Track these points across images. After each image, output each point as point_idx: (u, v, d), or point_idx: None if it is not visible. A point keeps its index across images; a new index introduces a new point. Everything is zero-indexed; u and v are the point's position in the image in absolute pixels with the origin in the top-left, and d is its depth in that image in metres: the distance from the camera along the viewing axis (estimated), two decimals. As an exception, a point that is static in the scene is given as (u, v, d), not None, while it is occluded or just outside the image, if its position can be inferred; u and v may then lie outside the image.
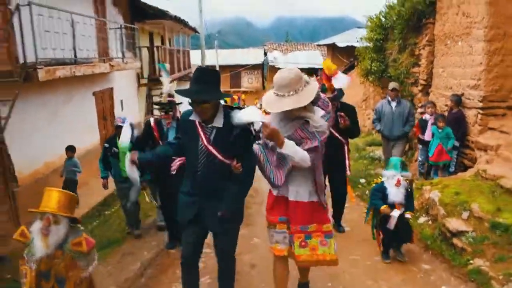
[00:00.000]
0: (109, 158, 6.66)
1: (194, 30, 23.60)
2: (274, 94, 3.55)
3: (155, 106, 17.88)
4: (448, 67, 8.64)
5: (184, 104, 5.20)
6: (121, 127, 6.38)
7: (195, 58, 26.50)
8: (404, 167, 5.25)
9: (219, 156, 3.57)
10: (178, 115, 5.80)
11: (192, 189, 3.76)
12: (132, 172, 3.98)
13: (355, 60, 15.71)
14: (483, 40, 7.29)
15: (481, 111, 7.46)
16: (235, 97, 14.85)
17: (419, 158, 8.82)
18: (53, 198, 3.52)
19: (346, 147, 6.15)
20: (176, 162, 4.55)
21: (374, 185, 5.46)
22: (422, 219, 6.27)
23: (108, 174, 6.87)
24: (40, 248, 3.41)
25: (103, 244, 6.43)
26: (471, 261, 4.85)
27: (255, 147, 3.75)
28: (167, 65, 6.90)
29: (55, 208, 3.47)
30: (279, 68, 31.42)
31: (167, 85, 6.12)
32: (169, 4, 19.39)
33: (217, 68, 35.90)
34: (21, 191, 8.47)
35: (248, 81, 40.30)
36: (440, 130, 7.73)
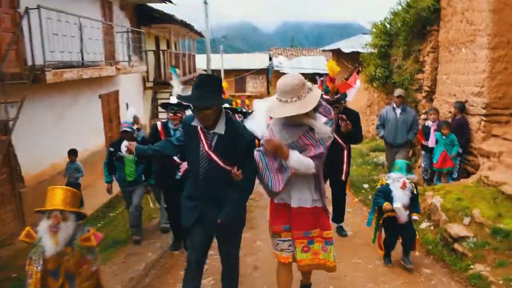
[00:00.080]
0: (114, 162, 6.69)
1: (199, 34, 23.73)
2: (277, 100, 3.55)
3: (160, 109, 18.03)
4: (452, 74, 8.69)
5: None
6: (126, 131, 6.47)
7: (201, 62, 26.63)
8: (409, 170, 5.25)
9: (220, 163, 3.58)
10: None
11: (193, 194, 3.79)
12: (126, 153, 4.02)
13: (360, 66, 15.76)
14: (487, 47, 7.34)
15: (484, 118, 7.50)
16: (239, 101, 14.86)
17: (423, 164, 8.84)
18: (58, 196, 3.54)
19: (345, 152, 6.13)
20: (183, 167, 4.61)
21: (379, 186, 5.47)
22: (424, 224, 6.32)
23: (112, 179, 6.89)
24: (50, 246, 3.42)
25: (108, 244, 6.51)
26: (471, 266, 4.91)
27: (255, 153, 3.76)
28: (178, 70, 6.98)
29: (62, 205, 3.49)
30: (284, 73, 31.31)
31: (177, 87, 6.21)
32: (175, 9, 19.52)
33: (222, 72, 36.06)
34: (27, 191, 8.57)
35: (253, 86, 40.38)
36: (444, 137, 7.75)
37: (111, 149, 6.72)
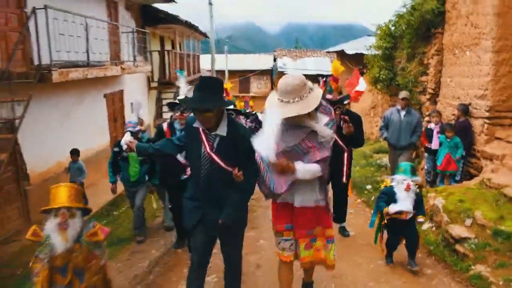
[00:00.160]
0: (118, 162, 6.71)
1: (204, 35, 23.81)
2: (279, 101, 3.55)
3: (164, 109, 18.10)
4: (456, 77, 8.72)
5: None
6: (131, 132, 6.52)
7: (205, 63, 26.70)
8: (414, 172, 5.26)
9: (222, 164, 3.59)
10: None
11: (195, 195, 3.81)
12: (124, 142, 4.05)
13: (364, 68, 15.79)
14: (491, 50, 7.36)
15: (487, 121, 7.52)
16: (242, 103, 14.87)
17: (426, 167, 8.86)
18: (63, 193, 3.57)
19: (346, 154, 6.11)
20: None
21: (382, 188, 5.48)
22: (426, 225, 6.36)
23: (117, 179, 6.92)
24: (59, 244, 3.46)
25: (113, 242, 6.56)
26: (472, 267, 4.95)
27: (256, 155, 3.75)
28: (185, 73, 7.09)
29: (68, 202, 3.52)
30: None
31: (184, 88, 6.27)
32: (180, 9, 19.60)
33: (226, 73, 36.12)
34: (33, 189, 8.66)
35: (257, 87, 40.42)
36: (448, 140, 7.77)
37: (116, 149, 6.74)
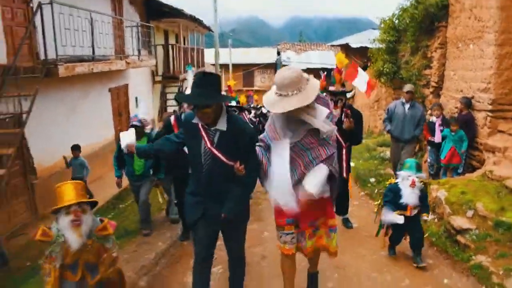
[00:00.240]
0: (123, 156, 6.68)
1: (208, 28, 23.81)
2: (277, 95, 3.49)
3: (169, 103, 18.18)
4: (459, 70, 8.75)
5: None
6: (136, 126, 6.57)
7: (209, 57, 26.72)
8: (419, 168, 5.26)
9: (223, 159, 3.59)
10: None
11: (196, 190, 3.82)
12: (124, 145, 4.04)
13: (368, 61, 15.81)
14: (494, 44, 7.38)
15: (490, 114, 7.55)
16: (243, 97, 14.89)
17: (429, 160, 8.90)
18: (70, 190, 3.56)
19: (345, 150, 6.05)
20: None
21: (388, 185, 5.50)
22: (428, 217, 6.41)
23: (122, 173, 6.96)
24: (75, 240, 3.46)
25: (120, 234, 6.65)
26: (473, 257, 5.02)
27: (257, 150, 3.77)
28: (193, 68, 7.16)
29: (77, 198, 3.53)
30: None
31: (192, 80, 6.34)
32: (184, 3, 19.61)
33: (230, 67, 36.13)
34: (40, 183, 8.76)
35: (261, 80, 40.43)
36: (453, 133, 7.79)
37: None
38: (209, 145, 3.60)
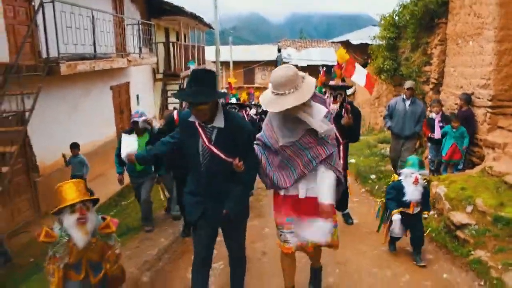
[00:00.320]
0: None
1: (209, 26, 23.84)
2: (274, 94, 3.47)
3: (170, 101, 18.22)
4: (459, 67, 8.78)
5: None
6: (137, 122, 6.60)
7: (210, 54, 26.77)
8: (422, 165, 5.27)
9: (222, 156, 3.56)
10: None
11: (196, 189, 3.80)
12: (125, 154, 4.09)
13: (369, 58, 15.84)
14: (494, 40, 7.40)
15: (490, 110, 7.57)
16: (244, 94, 14.83)
17: (429, 156, 8.93)
18: (71, 190, 3.56)
19: (342, 147, 5.91)
20: None
21: (391, 182, 5.50)
22: (428, 215, 6.45)
23: (124, 170, 6.97)
24: (81, 238, 3.48)
25: (122, 231, 6.71)
26: (472, 252, 5.06)
27: (255, 148, 3.79)
28: (195, 63, 7.21)
29: (81, 196, 3.53)
30: (292, 65, 31.45)
31: None
32: (184, 1, 19.62)
33: (231, 64, 36.15)
34: (42, 181, 8.82)
35: (262, 77, 40.46)
36: (454, 130, 7.79)
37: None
38: (207, 142, 3.58)
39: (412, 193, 5.10)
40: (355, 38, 25.11)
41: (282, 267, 4.17)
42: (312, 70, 13.54)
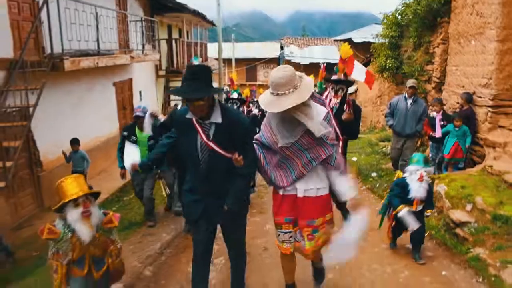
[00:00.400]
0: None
1: (211, 23, 23.88)
2: (274, 94, 3.46)
3: (172, 97, 18.26)
4: (461, 66, 8.81)
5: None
6: (139, 116, 6.65)
7: (212, 51, 26.81)
8: (427, 162, 5.27)
9: (221, 151, 3.56)
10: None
11: (195, 187, 3.80)
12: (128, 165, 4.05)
13: (371, 56, 15.88)
14: (496, 40, 7.43)
15: (491, 109, 7.60)
16: (247, 91, 14.79)
17: (430, 155, 8.95)
18: (74, 184, 3.55)
19: (341, 143, 5.81)
20: None
21: (395, 179, 5.52)
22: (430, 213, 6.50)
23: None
24: (86, 232, 3.48)
25: (125, 226, 6.78)
26: (471, 250, 5.13)
27: (254, 147, 3.78)
28: (199, 58, 7.26)
29: (83, 190, 3.52)
30: (295, 63, 31.25)
31: None
32: (186, -1, 19.63)
33: (233, 61, 36.17)
34: (45, 175, 8.90)
35: (264, 75, 40.44)
36: (457, 129, 7.80)
37: (125, 133, 6.85)
38: (205, 139, 3.57)
39: (417, 190, 5.09)
40: (358, 36, 25.15)
41: (282, 265, 4.19)
42: (314, 67, 13.51)
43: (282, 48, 41.01)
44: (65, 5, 8.65)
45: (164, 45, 17.49)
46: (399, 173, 5.64)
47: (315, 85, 11.53)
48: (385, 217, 5.68)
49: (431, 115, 8.52)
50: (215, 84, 23.35)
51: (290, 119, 3.52)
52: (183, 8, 17.18)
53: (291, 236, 3.87)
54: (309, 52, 39.18)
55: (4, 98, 7.37)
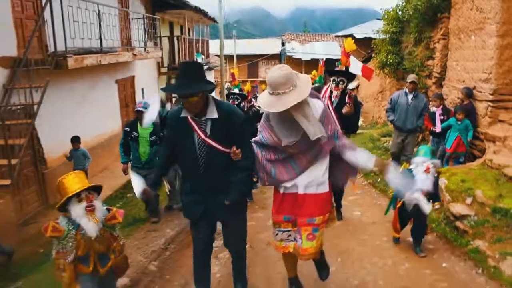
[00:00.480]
0: (128, 142, 6.86)
1: (213, 20, 23.90)
2: (274, 94, 3.42)
3: (174, 94, 18.29)
4: (461, 61, 8.85)
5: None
6: (140, 111, 6.69)
7: (214, 48, 26.83)
8: (434, 155, 5.28)
9: (219, 147, 3.57)
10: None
11: (194, 187, 3.79)
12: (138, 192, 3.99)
13: (372, 52, 15.91)
14: (496, 35, 7.46)
15: (491, 104, 7.65)
16: (248, 85, 14.81)
17: (431, 149, 9.00)
18: (75, 180, 3.56)
19: None
20: None
21: (401, 170, 5.46)
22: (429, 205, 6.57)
23: (128, 159, 7.04)
24: (92, 226, 3.49)
25: (129, 222, 6.87)
26: (471, 242, 5.20)
27: (253, 146, 3.78)
28: (202, 56, 7.31)
29: (84, 185, 3.53)
30: (296, 59, 31.18)
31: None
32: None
33: (235, 58, 36.17)
34: (50, 173, 8.95)
35: (266, 71, 40.37)
36: (459, 122, 7.83)
37: (127, 129, 6.91)
38: (202, 136, 3.58)
39: (423, 182, 5.06)
40: (359, 32, 25.15)
41: (283, 260, 4.21)
42: (316, 63, 13.55)
43: (283, 44, 41.00)
44: (68, 3, 8.69)
45: (166, 42, 17.52)
46: (405, 164, 5.65)
47: (314, 82, 11.61)
48: (390, 208, 5.70)
49: (431, 110, 8.58)
50: (212, 79, 23.37)
51: (290, 118, 3.48)
52: (184, 5, 17.20)
53: (289, 235, 3.86)
54: (310, 48, 39.18)
55: (8, 96, 7.44)
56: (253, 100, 11.31)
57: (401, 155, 8.61)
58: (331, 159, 3.82)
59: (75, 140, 8.98)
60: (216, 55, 25.45)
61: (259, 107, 11.58)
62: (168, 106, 6.89)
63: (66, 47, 8.60)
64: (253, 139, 3.85)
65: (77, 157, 8.97)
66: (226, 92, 15.12)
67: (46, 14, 8.34)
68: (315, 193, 3.76)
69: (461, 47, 8.88)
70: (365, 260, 5.21)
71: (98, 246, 3.64)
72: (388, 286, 4.63)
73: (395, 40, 12.64)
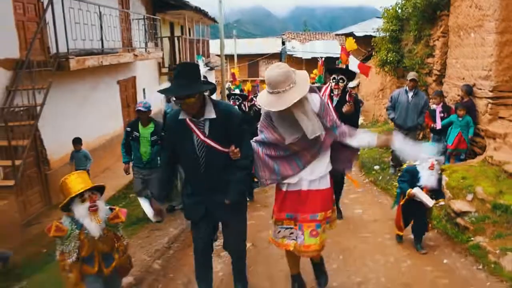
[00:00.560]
0: (130, 142, 6.87)
1: (213, 20, 23.93)
2: (274, 93, 3.42)
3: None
4: (461, 58, 8.89)
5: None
6: (141, 111, 6.73)
7: (214, 48, 26.87)
8: (438, 152, 5.27)
9: (219, 147, 3.57)
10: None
11: (195, 189, 3.80)
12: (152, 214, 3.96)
13: (372, 50, 15.95)
14: (495, 32, 7.49)
15: (491, 101, 7.68)
16: (249, 84, 14.84)
17: (432, 147, 9.01)
18: (77, 180, 3.55)
19: None
20: None
21: (405, 166, 5.51)
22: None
23: (130, 159, 7.06)
24: (95, 227, 3.48)
25: (132, 222, 6.91)
26: (472, 238, 5.25)
27: (253, 145, 3.78)
28: (203, 58, 7.37)
29: (87, 185, 3.52)
30: (297, 57, 31.19)
31: (202, 68, 6.49)
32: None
33: (235, 57, 36.19)
34: (52, 173, 9.01)
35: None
36: (460, 119, 7.86)
37: (128, 129, 6.91)
38: (201, 137, 3.57)
39: (427, 178, 5.07)
40: (359, 30, 25.19)
41: (286, 257, 4.24)
42: (316, 62, 13.55)
43: (283, 43, 41.01)
44: (69, 5, 8.75)
45: (166, 43, 17.55)
46: (409, 162, 5.68)
47: (315, 82, 11.65)
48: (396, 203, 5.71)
49: (431, 108, 8.61)
50: (213, 79, 23.36)
51: (290, 115, 3.48)
52: (185, 5, 17.23)
53: (291, 233, 3.85)
54: (310, 47, 39.19)
55: (11, 97, 7.49)
56: (254, 99, 11.34)
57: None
58: (332, 149, 3.85)
59: (77, 141, 9.02)
60: (217, 55, 25.49)
61: (259, 106, 11.62)
62: (171, 105, 6.90)
63: (68, 49, 8.66)
64: (254, 138, 3.86)
65: (78, 158, 9.02)
66: (227, 92, 15.12)
67: (48, 16, 8.38)
68: (318, 189, 3.77)
69: (461, 45, 8.91)
70: (367, 258, 5.25)
71: (102, 246, 3.64)
72: (390, 283, 4.66)
73: (395, 38, 12.68)
